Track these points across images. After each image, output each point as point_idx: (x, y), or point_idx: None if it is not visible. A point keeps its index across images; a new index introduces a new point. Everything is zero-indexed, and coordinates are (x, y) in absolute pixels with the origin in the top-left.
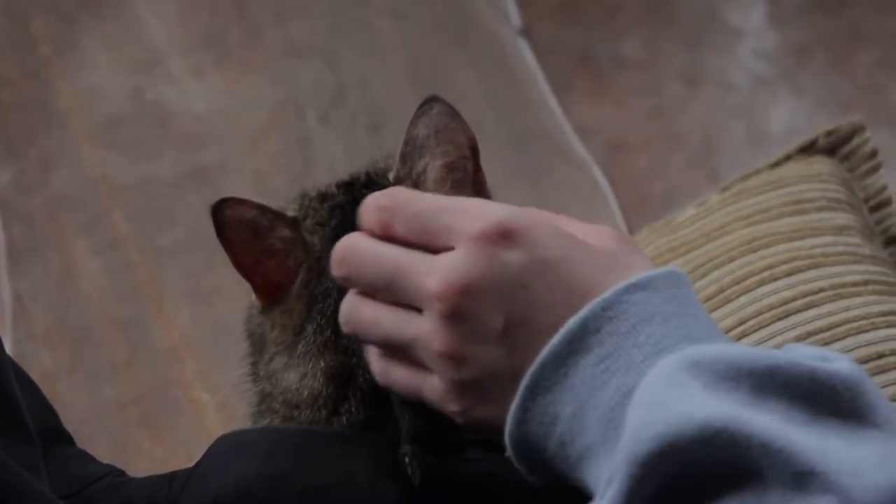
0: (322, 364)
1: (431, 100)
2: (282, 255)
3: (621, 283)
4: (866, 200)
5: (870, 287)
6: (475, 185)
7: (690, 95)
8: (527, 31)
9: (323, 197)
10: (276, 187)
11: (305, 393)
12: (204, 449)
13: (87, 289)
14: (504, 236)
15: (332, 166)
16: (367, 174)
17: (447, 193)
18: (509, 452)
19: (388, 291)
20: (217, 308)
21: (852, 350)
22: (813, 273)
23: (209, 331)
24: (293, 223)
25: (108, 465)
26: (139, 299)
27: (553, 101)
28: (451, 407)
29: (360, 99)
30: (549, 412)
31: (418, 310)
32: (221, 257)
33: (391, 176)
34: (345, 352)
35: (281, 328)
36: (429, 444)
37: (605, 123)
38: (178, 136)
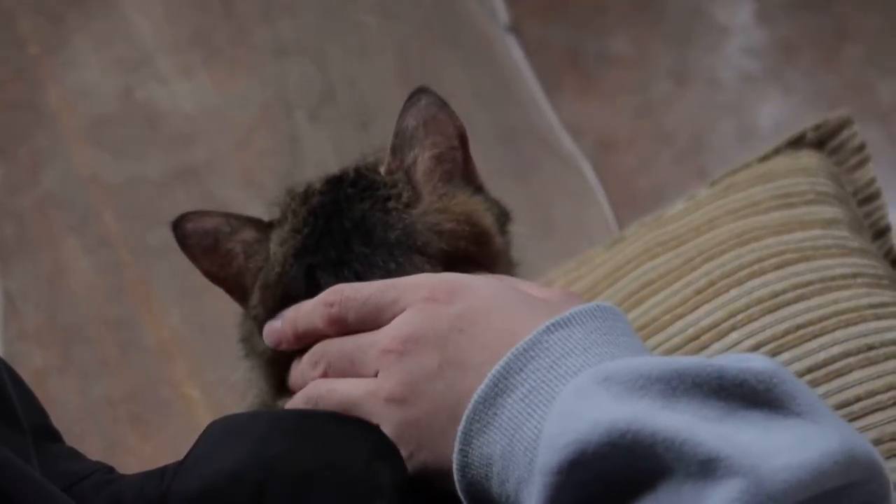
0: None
1: (420, 91)
2: (241, 258)
3: (542, 325)
4: (855, 194)
5: (859, 280)
6: (465, 174)
7: (678, 93)
8: (515, 29)
9: (305, 197)
10: (265, 186)
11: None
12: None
13: (77, 288)
14: (447, 292)
15: (321, 165)
16: (357, 170)
17: (437, 184)
18: (461, 495)
19: (349, 370)
20: (207, 306)
21: (842, 342)
22: (802, 266)
23: (199, 329)
24: (264, 226)
25: (97, 462)
26: (129, 298)
27: (542, 98)
28: (402, 444)
29: (348, 97)
30: (485, 453)
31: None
32: None
33: (382, 169)
34: None
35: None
36: None
37: (593, 121)
38: (168, 136)
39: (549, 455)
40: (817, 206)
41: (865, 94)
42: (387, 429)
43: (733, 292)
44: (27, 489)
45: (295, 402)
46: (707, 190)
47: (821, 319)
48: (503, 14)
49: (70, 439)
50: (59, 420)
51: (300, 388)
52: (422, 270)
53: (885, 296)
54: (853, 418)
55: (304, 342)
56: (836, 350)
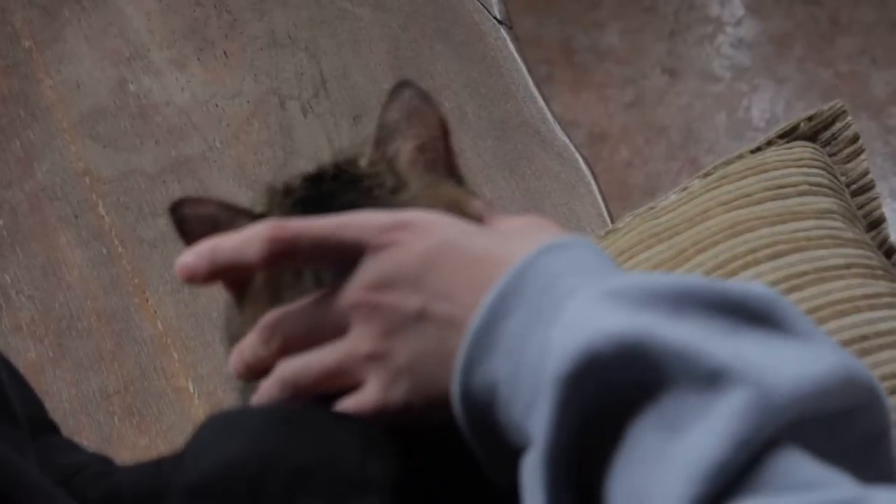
0: None
1: (402, 84)
2: None
3: (533, 249)
4: (848, 185)
5: (852, 270)
6: (448, 165)
7: (670, 86)
8: (508, 23)
9: (287, 191)
10: (259, 178)
11: None
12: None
13: (71, 280)
14: (407, 229)
15: (314, 157)
16: (336, 165)
17: (420, 174)
18: (463, 428)
19: (313, 336)
20: (201, 298)
21: (836, 333)
22: (796, 257)
23: (193, 321)
24: (255, 217)
25: (94, 453)
26: (123, 290)
27: (534, 91)
28: (396, 404)
29: (341, 89)
30: (488, 380)
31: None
32: None
33: (363, 162)
34: None
35: (252, 321)
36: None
37: (585, 114)
38: (161, 128)
39: (558, 365)
40: (811, 196)
41: (858, 86)
42: (375, 385)
43: None
44: (24, 487)
45: (267, 392)
46: (700, 181)
47: (815, 310)
48: (496, 7)
49: (65, 432)
50: (53, 412)
51: (253, 371)
52: None
53: (878, 286)
54: None
55: (216, 280)
56: None
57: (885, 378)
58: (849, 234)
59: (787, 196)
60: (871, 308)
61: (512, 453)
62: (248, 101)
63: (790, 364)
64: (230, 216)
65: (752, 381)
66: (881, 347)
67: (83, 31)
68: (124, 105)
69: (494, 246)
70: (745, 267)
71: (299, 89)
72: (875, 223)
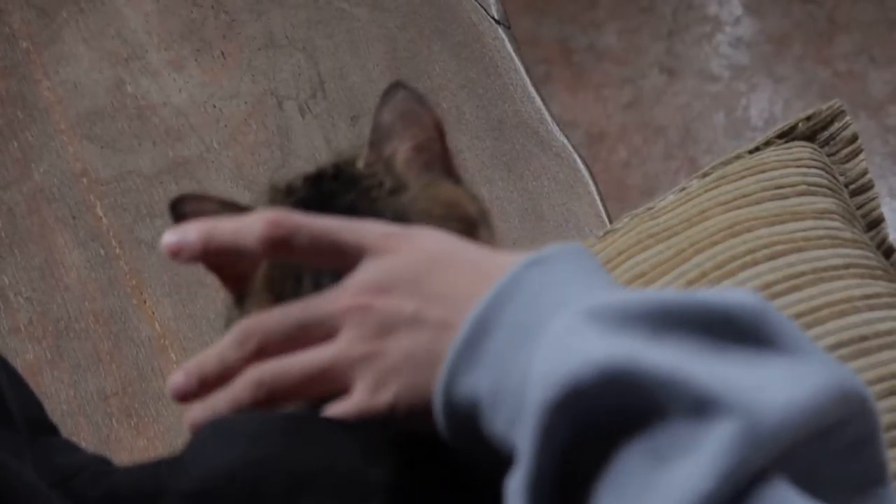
0: None
1: (395, 86)
2: None
3: (521, 261)
4: (847, 185)
5: (851, 270)
6: (444, 165)
7: (668, 85)
8: (506, 23)
9: (289, 190)
10: (257, 179)
11: None
12: (186, 440)
13: (69, 281)
14: (406, 238)
15: (312, 157)
16: (335, 166)
17: (417, 174)
18: (447, 439)
19: (297, 339)
20: (199, 299)
21: (834, 333)
22: (794, 257)
23: (191, 322)
24: None
25: (93, 454)
26: (121, 291)
27: (532, 91)
28: (382, 408)
29: (339, 90)
30: (470, 392)
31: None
32: None
33: (360, 163)
34: None
35: None
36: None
37: (584, 114)
38: (159, 129)
39: (540, 392)
40: (809, 197)
41: (856, 86)
42: (362, 388)
43: (725, 283)
44: (20, 492)
45: (233, 395)
46: (698, 182)
47: (813, 310)
48: (494, 7)
49: (63, 433)
50: (51, 414)
51: (205, 384)
52: None
53: (877, 286)
54: None
55: (208, 257)
56: (828, 341)
57: (883, 378)
58: (847, 235)
59: (786, 196)
60: (870, 308)
61: (497, 458)
62: (246, 102)
63: (780, 387)
64: (231, 213)
65: (741, 411)
66: (880, 348)
67: (81, 33)
68: (122, 106)
69: (491, 257)
70: (744, 267)
71: (297, 90)
72: (874, 223)
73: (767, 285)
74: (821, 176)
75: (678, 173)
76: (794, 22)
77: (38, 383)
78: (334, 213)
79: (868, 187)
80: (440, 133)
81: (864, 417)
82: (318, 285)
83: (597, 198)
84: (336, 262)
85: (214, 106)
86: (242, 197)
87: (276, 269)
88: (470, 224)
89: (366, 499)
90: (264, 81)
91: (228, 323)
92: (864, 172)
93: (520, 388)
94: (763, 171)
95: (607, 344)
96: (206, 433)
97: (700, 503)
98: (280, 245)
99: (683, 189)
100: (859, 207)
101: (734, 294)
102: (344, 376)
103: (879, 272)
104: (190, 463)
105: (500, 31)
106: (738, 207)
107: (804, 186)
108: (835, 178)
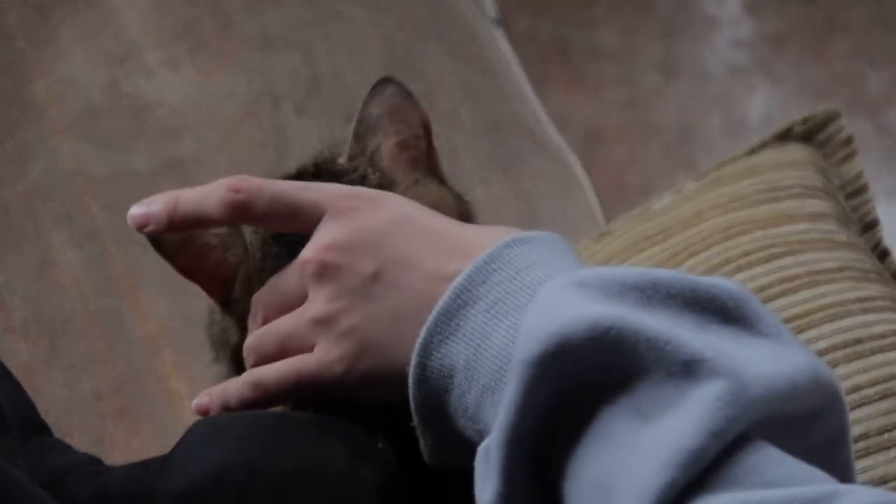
0: None
1: (385, 81)
2: (219, 251)
3: (502, 240)
4: (842, 187)
5: (846, 273)
6: (429, 164)
7: (666, 85)
8: (503, 22)
9: None
10: None
11: None
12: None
13: (64, 281)
14: (372, 202)
15: (308, 157)
16: (316, 164)
17: (404, 171)
18: (413, 412)
19: (281, 304)
20: (193, 299)
21: (829, 336)
22: (789, 260)
23: (186, 322)
24: None
25: (85, 454)
26: (116, 291)
27: (529, 91)
28: (336, 367)
29: (335, 89)
30: (446, 364)
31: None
32: None
33: (343, 157)
34: None
35: (238, 321)
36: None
37: (581, 114)
38: (154, 128)
39: (529, 346)
40: (805, 199)
41: (854, 87)
42: (322, 348)
43: None
44: (14, 493)
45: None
46: (694, 183)
47: (808, 313)
48: (491, 6)
49: (57, 433)
50: (45, 414)
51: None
52: None
53: (872, 290)
54: None
55: (180, 228)
56: (822, 344)
57: (878, 382)
58: (842, 238)
59: (781, 199)
60: (864, 311)
61: (458, 443)
62: (242, 102)
63: (764, 361)
64: None
65: (729, 373)
66: (874, 351)
67: (76, 32)
68: (117, 105)
69: (457, 227)
70: (738, 270)
71: (293, 90)
72: (869, 226)
73: (762, 288)
74: (816, 178)
75: (676, 173)
76: (792, 22)
77: (32, 383)
78: None
79: (863, 190)
80: (427, 131)
81: (836, 412)
82: None
83: (592, 199)
84: (296, 225)
85: (210, 105)
86: None
87: (255, 273)
88: None
89: (356, 499)
90: (260, 81)
91: (210, 328)
92: (860, 175)
93: (500, 355)
94: (759, 174)
95: (597, 305)
96: (195, 433)
97: (686, 458)
98: (241, 208)
99: (679, 191)
100: (854, 210)
101: (718, 280)
102: (308, 338)
103: (874, 275)
104: (178, 463)
105: (497, 30)
106: (734, 210)
107: (800, 189)
108: (830, 180)
